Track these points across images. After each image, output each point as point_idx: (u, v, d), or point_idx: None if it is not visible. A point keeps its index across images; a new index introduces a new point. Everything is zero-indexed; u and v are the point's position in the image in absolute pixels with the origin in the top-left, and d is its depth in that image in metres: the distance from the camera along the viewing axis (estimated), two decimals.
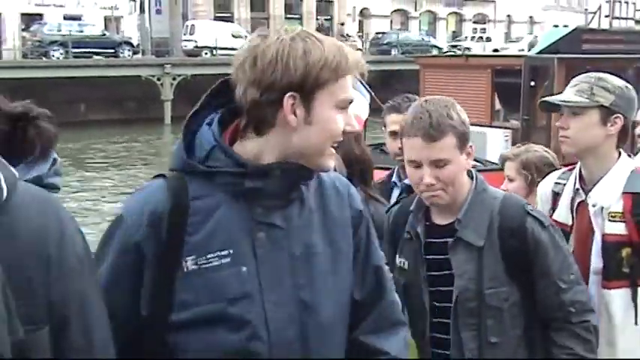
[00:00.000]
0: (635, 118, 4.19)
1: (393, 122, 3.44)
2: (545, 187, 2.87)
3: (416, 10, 55.48)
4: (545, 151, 3.55)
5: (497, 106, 12.09)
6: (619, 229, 2.52)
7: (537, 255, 2.26)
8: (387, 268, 1.94)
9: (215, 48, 36.38)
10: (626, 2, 72.34)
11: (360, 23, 51.27)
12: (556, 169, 3.10)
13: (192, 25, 39.68)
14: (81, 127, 27.21)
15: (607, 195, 2.55)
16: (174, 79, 32.66)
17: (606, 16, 61.37)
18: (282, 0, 47.17)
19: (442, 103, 2.28)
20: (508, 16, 61.93)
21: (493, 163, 9.48)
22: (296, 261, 1.66)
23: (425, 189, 2.25)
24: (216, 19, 42.89)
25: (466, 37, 51.82)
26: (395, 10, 54.43)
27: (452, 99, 2.31)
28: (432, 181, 2.22)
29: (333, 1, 49.46)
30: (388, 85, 33.94)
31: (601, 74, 2.61)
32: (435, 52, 39.12)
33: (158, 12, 45.47)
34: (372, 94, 13.55)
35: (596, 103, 2.54)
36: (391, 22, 54.02)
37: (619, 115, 2.56)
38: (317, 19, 48.11)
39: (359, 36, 46.92)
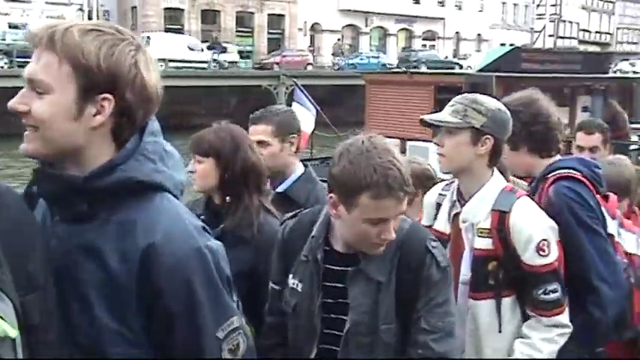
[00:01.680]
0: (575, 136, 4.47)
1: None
2: (430, 197, 2.97)
3: (367, 25, 56.17)
4: (427, 164, 3.68)
5: None
6: (486, 244, 2.63)
7: (423, 293, 2.21)
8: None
9: (171, 60, 36.37)
10: (570, 22, 74.43)
11: (312, 38, 51.69)
12: (436, 183, 3.23)
13: (148, 36, 38.85)
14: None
15: (477, 212, 2.66)
16: None
17: (550, 36, 63.07)
18: (233, 13, 47.31)
19: (391, 151, 2.16)
20: (457, 33, 63.18)
21: None
22: None
23: (381, 243, 2.19)
24: (167, 31, 42.77)
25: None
26: (346, 26, 55.01)
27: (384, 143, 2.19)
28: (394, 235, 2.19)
29: (284, 15, 49.81)
30: (340, 99, 34.44)
31: (477, 96, 2.69)
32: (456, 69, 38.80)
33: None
34: (319, 108, 13.91)
35: (467, 124, 2.62)
36: (342, 37, 54.58)
37: (489, 136, 2.63)
38: (268, 32, 48.40)
39: (310, 50, 47.35)
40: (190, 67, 37.33)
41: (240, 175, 2.78)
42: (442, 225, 2.82)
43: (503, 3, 68.54)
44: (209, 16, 46.67)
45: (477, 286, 2.65)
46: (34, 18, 39.71)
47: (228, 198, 2.79)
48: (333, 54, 50.05)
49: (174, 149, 1.77)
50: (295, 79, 13.38)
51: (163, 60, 35.64)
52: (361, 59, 46.06)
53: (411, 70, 20.11)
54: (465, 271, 2.68)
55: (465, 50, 60.08)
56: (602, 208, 2.92)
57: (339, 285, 2.26)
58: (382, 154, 2.10)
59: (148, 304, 1.59)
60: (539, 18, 69.93)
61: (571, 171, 2.88)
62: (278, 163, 3.24)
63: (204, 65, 38.51)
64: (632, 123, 13.84)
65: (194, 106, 33.49)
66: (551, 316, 2.61)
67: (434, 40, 61.08)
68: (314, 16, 51.45)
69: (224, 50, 38.99)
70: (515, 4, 69.92)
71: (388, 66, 43.07)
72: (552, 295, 2.59)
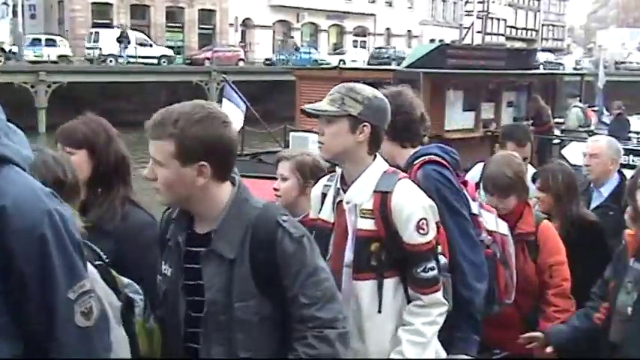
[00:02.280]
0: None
1: None
2: (316, 189, 3.03)
3: (298, 21, 56.19)
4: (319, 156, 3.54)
5: None
6: (369, 224, 2.70)
7: (284, 268, 2.23)
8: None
9: (120, 56, 36.83)
10: (497, 19, 76.06)
11: (243, 33, 51.43)
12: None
13: (97, 32, 39.42)
14: None
15: (360, 194, 2.74)
16: (49, 86, 31.73)
17: (478, 32, 64.32)
18: (163, 8, 46.69)
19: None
20: (387, 29, 63.78)
21: None
22: None
23: (157, 187, 2.28)
24: (95, 25, 41.98)
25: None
26: (277, 21, 54.94)
27: None
28: (149, 175, 2.25)
29: (215, 10, 49.42)
30: (271, 95, 34.42)
31: (354, 85, 2.76)
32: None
33: (33, 17, 44.02)
34: (249, 104, 13.93)
35: (345, 112, 2.68)
36: (274, 32, 54.50)
37: (366, 123, 2.70)
38: (199, 27, 47.95)
39: (241, 46, 47.12)
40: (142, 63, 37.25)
41: (114, 167, 2.79)
42: (327, 214, 2.87)
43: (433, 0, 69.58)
44: (138, 11, 45.90)
45: (360, 267, 2.71)
46: None
47: (99, 190, 2.77)
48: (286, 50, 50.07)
49: (16, 127, 1.83)
50: (225, 75, 13.32)
51: (115, 56, 36.86)
52: (292, 55, 46.13)
53: (341, 66, 20.25)
54: (349, 253, 2.73)
55: (396, 46, 60.77)
56: (465, 192, 3.14)
57: (197, 266, 2.28)
58: None
59: (2, 265, 1.63)
60: (468, 14, 71.16)
61: (434, 156, 3.05)
62: None
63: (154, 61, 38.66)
64: (554, 118, 14.33)
65: (123, 103, 32.93)
66: (430, 293, 2.70)
67: (365, 36, 61.55)
68: (245, 11, 51.16)
69: (128, 43, 37.31)
70: (444, 1, 71.04)
71: (320, 61, 43.27)
72: (431, 273, 2.69)
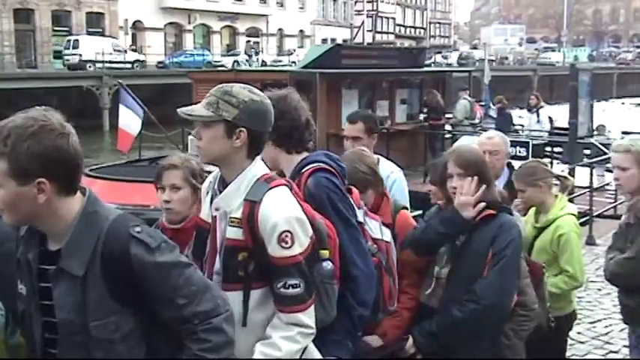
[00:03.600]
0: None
1: None
2: (203, 187, 2.91)
3: (190, 23, 55.65)
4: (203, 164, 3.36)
5: None
6: (237, 234, 2.56)
7: (146, 280, 2.15)
8: None
9: (99, 61, 38.48)
10: (387, 18, 77.76)
11: (134, 36, 50.50)
12: None
13: (76, 39, 41.70)
14: None
15: (230, 201, 2.60)
16: None
17: (369, 31, 65.37)
18: (48, 12, 45.20)
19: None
20: (280, 29, 64.10)
21: None
22: None
23: None
24: None
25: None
26: (169, 23, 54.23)
27: None
28: None
29: (103, 13, 48.29)
30: (167, 98, 33.92)
31: (232, 87, 2.61)
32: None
33: None
34: (146, 109, 13.78)
35: (219, 117, 2.55)
36: (165, 35, 53.77)
37: (242, 128, 2.56)
38: (87, 31, 46.70)
39: (132, 49, 46.24)
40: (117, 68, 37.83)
41: None
42: (205, 214, 2.78)
43: (323, 0, 70.37)
44: (22, 15, 44.23)
45: (228, 277, 2.60)
46: None
47: None
48: (245, 53, 50.33)
49: None
50: (120, 80, 13.12)
51: (93, 61, 38.18)
52: (186, 57, 45.71)
53: (237, 68, 20.27)
54: (218, 262, 2.64)
55: (289, 46, 61.19)
56: (351, 200, 3.06)
57: (49, 285, 2.17)
58: None
59: None
60: (358, 14, 72.58)
61: (323, 164, 2.97)
62: None
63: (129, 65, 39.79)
64: (445, 113, 14.90)
65: (8, 110, 31.63)
66: (290, 312, 2.54)
67: (258, 36, 61.63)
68: (135, 14, 50.27)
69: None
70: (334, 1, 71.96)
71: (214, 63, 43.04)
72: (292, 291, 2.52)
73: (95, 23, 47.82)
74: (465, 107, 15.53)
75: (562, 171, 10.46)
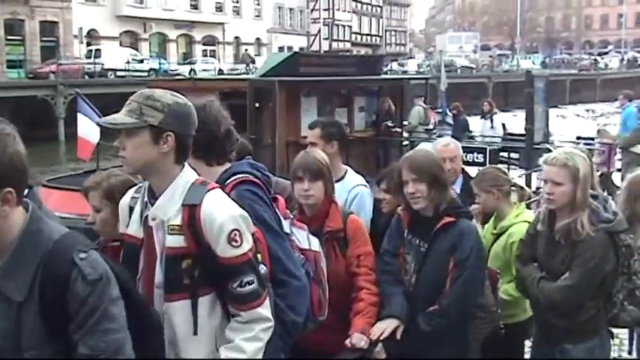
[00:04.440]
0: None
1: None
2: (123, 201, 2.79)
3: (145, 31, 55.22)
4: (129, 174, 3.15)
5: None
6: (178, 241, 2.49)
7: (73, 312, 2.01)
8: None
9: (119, 70, 40.83)
10: (343, 26, 78.14)
11: (89, 45, 49.88)
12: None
13: (98, 49, 44.18)
14: None
15: (167, 209, 2.53)
16: None
17: (325, 39, 65.52)
18: (1, 20, 44.40)
19: None
20: (236, 38, 63.97)
21: None
22: None
23: None
24: None
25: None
26: (124, 32, 53.72)
27: None
28: None
29: (57, 22, 47.60)
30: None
31: (153, 92, 2.54)
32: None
33: None
34: (102, 117, 13.52)
35: (145, 122, 2.47)
36: (120, 43, 53.21)
37: (170, 132, 2.50)
38: (41, 40, 46.02)
39: (87, 57, 45.66)
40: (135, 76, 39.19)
41: None
42: (134, 228, 2.66)
43: (280, 7, 70.41)
44: None
45: (172, 287, 2.52)
46: None
47: None
48: (241, 62, 50.63)
49: None
50: (77, 89, 12.96)
51: (114, 70, 40.05)
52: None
53: (195, 77, 20.18)
54: (159, 273, 2.55)
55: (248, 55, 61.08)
56: (277, 210, 3.04)
57: None
58: None
59: None
60: (315, 22, 72.78)
61: (248, 175, 2.92)
62: None
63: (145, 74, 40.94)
64: (402, 120, 15.04)
65: None
66: (250, 309, 2.53)
67: (214, 45, 61.43)
68: (90, 22, 49.66)
69: None
70: (290, 9, 72.09)
71: (170, 72, 42.73)
72: (248, 287, 2.51)
73: (49, 32, 47.11)
74: (420, 113, 15.72)
75: (519, 176, 10.70)
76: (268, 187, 3.03)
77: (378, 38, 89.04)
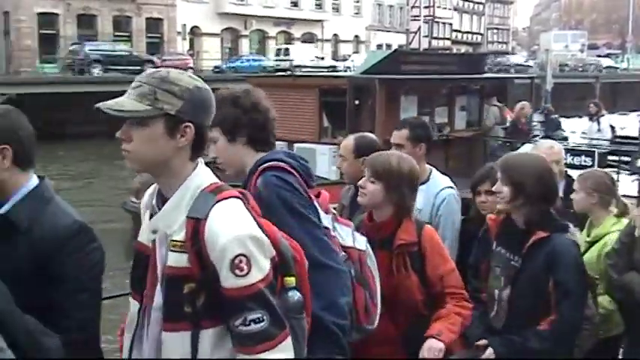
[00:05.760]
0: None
1: None
2: (142, 202, 2.35)
3: (246, 28, 56.11)
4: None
5: (325, 123, 12.65)
6: (181, 260, 2.04)
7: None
8: None
9: (305, 66, 41.98)
10: (444, 23, 77.15)
11: (191, 41, 51.10)
12: None
13: (287, 48, 48.56)
14: None
15: (171, 220, 2.09)
16: None
17: (425, 36, 64.94)
18: (110, 17, 46.10)
19: None
20: (335, 35, 64.13)
21: (322, 177, 9.98)
22: None
23: None
24: (41, 36, 41.42)
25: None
26: (225, 29, 54.77)
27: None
28: None
29: (162, 19, 49.00)
30: None
31: (169, 73, 2.13)
32: None
33: None
34: None
35: (160, 111, 2.05)
36: (222, 40, 54.30)
37: (189, 123, 2.08)
38: (147, 36, 47.48)
39: (189, 54, 46.81)
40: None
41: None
42: (145, 236, 2.22)
43: (379, 5, 70.19)
44: (85, 21, 45.17)
45: (170, 314, 2.07)
46: None
47: None
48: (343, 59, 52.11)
49: None
50: None
51: (300, 67, 40.94)
52: (242, 62, 46.00)
53: (296, 74, 20.27)
54: (158, 296, 2.11)
55: (344, 52, 61.14)
56: (315, 203, 2.67)
57: None
58: None
59: None
60: (414, 19, 72.11)
61: (278, 162, 2.59)
62: None
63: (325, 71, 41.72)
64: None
65: (67, 114, 32.35)
66: (257, 353, 2.01)
67: (312, 42, 61.81)
68: (193, 19, 50.88)
69: None
70: (390, 6, 71.75)
71: (268, 68, 43.26)
72: (255, 327, 2.00)
73: (154, 28, 48.56)
74: (494, 113, 15.34)
75: (632, 182, 10.15)
76: (307, 178, 2.66)
77: (479, 36, 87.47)
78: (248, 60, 47.03)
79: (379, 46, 61.37)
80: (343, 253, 2.71)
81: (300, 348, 2.18)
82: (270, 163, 2.58)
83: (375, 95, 11.36)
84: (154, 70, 2.17)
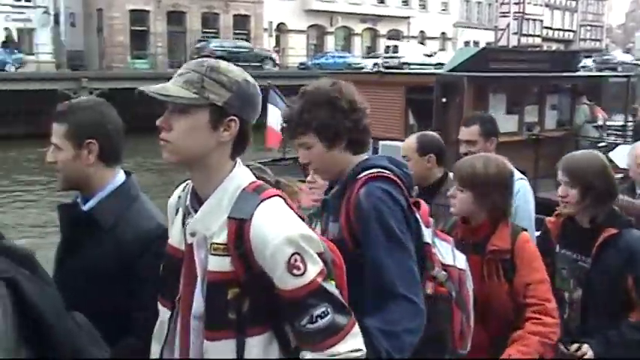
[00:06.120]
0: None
1: None
2: (170, 202, 2.23)
3: (332, 25, 56.23)
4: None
5: (411, 120, 12.53)
6: (223, 264, 1.94)
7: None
8: None
9: (413, 64, 41.39)
10: (533, 20, 75.35)
11: (277, 38, 51.61)
12: None
13: (396, 45, 48.85)
14: None
15: (210, 221, 1.98)
16: (90, 92, 32.27)
17: (514, 34, 63.63)
18: (198, 14, 47.03)
19: None
20: (421, 32, 63.53)
21: None
22: None
23: None
24: (132, 32, 42.62)
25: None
26: (311, 26, 55.04)
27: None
28: None
29: (249, 15, 49.65)
30: None
31: (219, 63, 2.03)
32: None
33: (72, 25, 44.72)
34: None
35: (206, 100, 1.95)
36: (307, 37, 54.59)
37: (234, 117, 1.98)
38: (234, 33, 48.19)
39: (275, 51, 47.27)
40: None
41: None
42: (177, 238, 2.11)
43: (467, 1, 69.15)
44: (175, 18, 46.30)
45: (213, 322, 1.96)
46: (1, 21, 39.52)
47: None
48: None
49: None
50: (269, 81, 13.34)
51: (409, 64, 40.99)
52: (327, 59, 46.12)
53: (382, 71, 20.16)
54: (198, 301, 1.99)
55: (430, 49, 60.53)
56: (417, 215, 2.52)
57: None
58: None
59: None
60: (503, 16, 70.77)
61: (384, 171, 2.44)
62: (71, 175, 2.48)
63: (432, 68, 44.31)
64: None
65: (158, 109, 33.15)
66: (326, 348, 1.92)
67: (398, 39, 61.41)
68: (279, 16, 51.39)
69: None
70: (478, 3, 70.58)
71: (354, 65, 43.21)
72: (321, 322, 1.91)
73: (241, 25, 49.25)
74: (584, 111, 14.88)
75: None
76: (408, 187, 2.51)
77: (571, 33, 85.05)
78: (333, 57, 47.08)
79: (466, 43, 60.52)
80: (443, 272, 2.56)
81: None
82: (375, 172, 2.43)
83: (463, 93, 11.18)
84: (204, 58, 2.07)
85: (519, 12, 72.22)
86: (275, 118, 11.69)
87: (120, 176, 2.49)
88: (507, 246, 3.09)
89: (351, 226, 2.40)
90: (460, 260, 2.69)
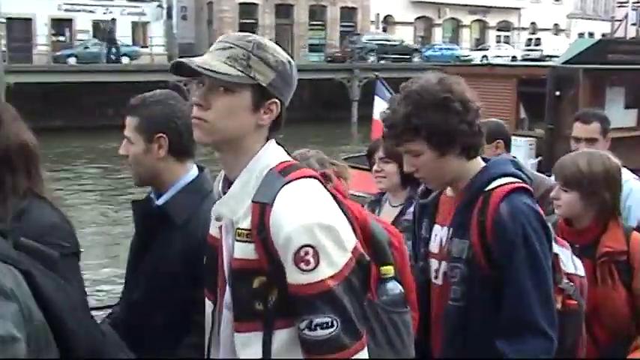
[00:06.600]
0: None
1: None
2: (214, 186, 2.07)
3: (439, 17, 55.52)
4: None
5: (522, 114, 12.19)
6: (248, 251, 1.78)
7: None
8: None
9: (553, 56, 41.36)
10: None
11: (384, 30, 51.39)
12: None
13: (538, 37, 49.77)
14: None
15: (236, 205, 1.83)
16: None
17: (633, 24, 60.92)
18: (306, 7, 47.45)
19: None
20: (532, 23, 61.75)
21: None
22: None
23: None
24: (241, 25, 43.49)
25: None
26: (418, 18, 54.52)
27: None
28: None
29: (356, 8, 49.65)
30: None
31: (264, 41, 1.88)
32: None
33: (184, 18, 46.08)
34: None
35: (252, 80, 1.81)
36: (415, 29, 54.09)
37: (276, 100, 1.85)
38: (340, 25, 48.34)
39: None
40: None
41: (4, 156, 2.10)
42: (214, 227, 1.97)
43: None
44: (283, 10, 46.97)
45: (241, 313, 1.81)
46: (117, 15, 41.16)
47: None
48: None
49: None
50: (377, 73, 13.26)
51: (550, 56, 39.25)
52: (434, 51, 45.56)
53: (492, 63, 19.72)
54: (227, 292, 1.88)
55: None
56: (549, 225, 2.36)
57: None
58: None
59: None
60: (621, 6, 67.72)
61: (519, 180, 2.27)
62: (142, 169, 2.45)
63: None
64: None
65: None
66: None
67: (509, 30, 59.89)
68: (386, 8, 51.19)
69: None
70: None
71: (462, 58, 42.52)
72: (321, 332, 1.71)
73: (347, 18, 49.34)
74: None
75: None
76: (532, 193, 2.33)
77: None
78: (441, 49, 46.51)
79: (580, 35, 58.40)
80: (570, 283, 2.46)
81: (403, 347, 1.95)
82: (515, 184, 2.26)
83: (579, 86, 10.75)
84: (246, 33, 1.92)
85: (639, 2, 68.97)
86: (381, 110, 11.64)
87: (193, 171, 2.46)
88: (623, 247, 2.91)
89: (488, 246, 2.24)
90: (580, 267, 2.57)
